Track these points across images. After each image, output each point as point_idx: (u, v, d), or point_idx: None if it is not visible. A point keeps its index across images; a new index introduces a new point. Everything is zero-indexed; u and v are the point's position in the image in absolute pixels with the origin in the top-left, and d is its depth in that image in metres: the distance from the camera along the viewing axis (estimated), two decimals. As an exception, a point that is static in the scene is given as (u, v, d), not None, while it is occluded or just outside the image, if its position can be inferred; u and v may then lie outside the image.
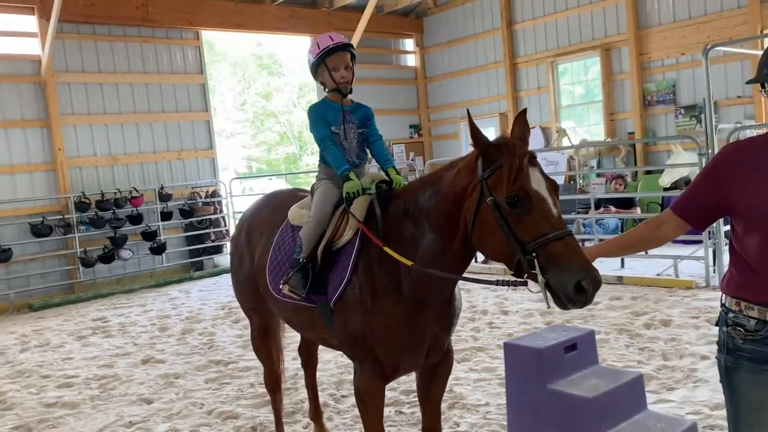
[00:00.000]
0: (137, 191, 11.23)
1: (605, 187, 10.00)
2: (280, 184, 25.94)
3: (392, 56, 15.54)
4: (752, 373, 2.01)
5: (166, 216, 11.53)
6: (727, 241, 2.23)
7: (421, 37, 15.49)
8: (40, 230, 10.19)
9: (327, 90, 3.20)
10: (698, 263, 7.81)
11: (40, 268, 10.45)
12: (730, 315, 2.06)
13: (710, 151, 7.21)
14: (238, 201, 12.97)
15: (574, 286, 2.13)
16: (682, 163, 9.54)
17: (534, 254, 2.20)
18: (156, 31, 11.86)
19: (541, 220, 2.22)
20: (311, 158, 29.89)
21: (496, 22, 13.78)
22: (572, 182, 12.13)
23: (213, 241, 12.27)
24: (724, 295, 2.12)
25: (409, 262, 2.59)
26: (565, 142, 12.39)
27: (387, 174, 3.07)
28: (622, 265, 8.49)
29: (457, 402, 4.43)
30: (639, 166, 11.49)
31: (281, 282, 3.01)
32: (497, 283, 2.48)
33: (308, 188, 4.14)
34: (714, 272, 7.28)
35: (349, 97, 3.23)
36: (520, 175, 2.25)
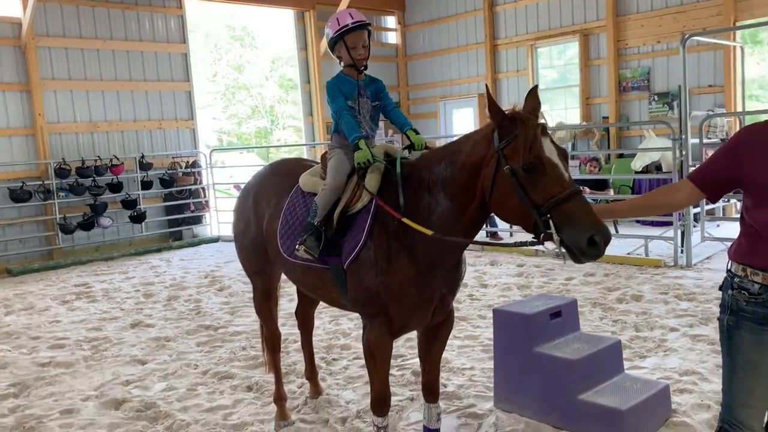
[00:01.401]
0: (117, 159, 11.20)
1: (580, 169, 10.32)
2: (251, 158, 25.87)
3: (374, 33, 15.55)
4: (752, 333, 2.20)
5: (146, 185, 11.53)
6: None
7: (402, 15, 15.57)
8: (19, 195, 10.13)
9: (342, 65, 3.35)
10: (667, 244, 8.21)
11: (19, 233, 10.42)
12: (736, 280, 2.24)
13: (684, 136, 7.54)
14: (216, 173, 13.00)
15: (587, 240, 2.33)
16: (654, 148, 9.90)
17: (549, 215, 2.40)
18: (138, -2, 11.76)
19: (554, 182, 2.42)
20: (282, 133, 29.80)
21: (478, 3, 13.92)
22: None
23: (192, 212, 12.31)
24: (730, 261, 2.29)
25: (429, 232, 2.75)
26: (542, 124, 12.67)
27: (407, 136, 3.23)
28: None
29: (443, 366, 4.67)
30: (612, 150, 11.85)
31: (297, 244, 3.16)
32: (516, 245, 2.67)
33: (308, 158, 4.25)
34: (682, 252, 7.66)
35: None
36: (534, 144, 2.45)
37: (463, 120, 14.54)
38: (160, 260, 10.34)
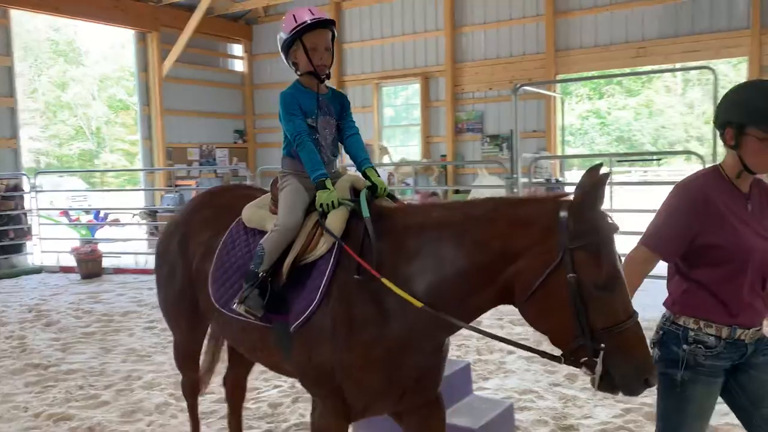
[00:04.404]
0: None
1: (422, 203, 10.89)
2: (75, 183, 24.04)
3: (219, 59, 15.37)
4: (707, 385, 2.23)
5: (-45, 208, 10.28)
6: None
7: (250, 44, 15.53)
8: None
9: (299, 73, 2.72)
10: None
11: None
12: (691, 333, 2.22)
13: (515, 175, 8.29)
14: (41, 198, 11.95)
15: (644, 381, 1.98)
16: (487, 185, 10.75)
17: (603, 343, 1.96)
18: (-45, 2, 10.63)
19: (621, 306, 1.98)
20: (110, 156, 28.12)
21: (325, 39, 14.26)
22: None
23: (12, 239, 11.17)
24: (677, 315, 2.26)
25: (419, 303, 2.17)
26: (386, 160, 13.23)
27: (365, 176, 2.67)
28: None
29: (300, 396, 4.67)
30: (450, 186, 12.66)
31: (235, 300, 2.55)
32: (544, 355, 2.14)
33: (251, 185, 3.58)
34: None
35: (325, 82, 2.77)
36: (615, 255, 2.00)
37: (309, 152, 14.71)
38: (-28, 293, 9.23)
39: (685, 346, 2.22)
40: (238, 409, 3.62)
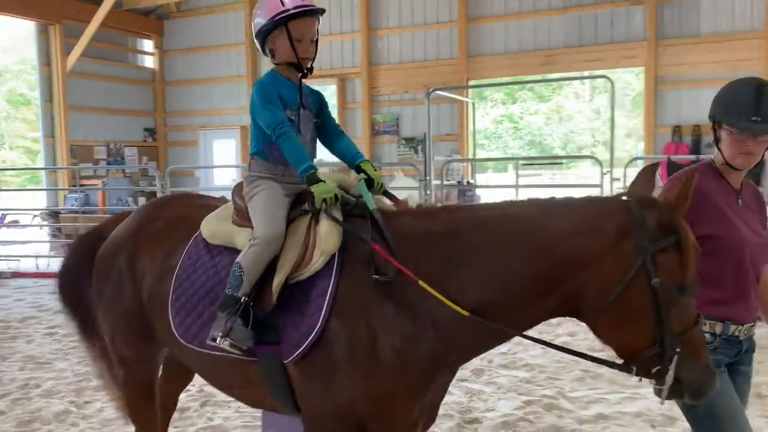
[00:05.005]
0: None
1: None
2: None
3: (129, 54, 14.84)
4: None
5: None
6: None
7: (161, 40, 15.08)
8: None
9: (276, 62, 2.42)
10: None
11: None
12: None
13: (428, 178, 8.47)
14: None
15: (711, 384, 1.88)
16: (403, 187, 10.90)
17: (678, 348, 1.83)
18: None
19: (692, 307, 1.88)
20: (9, 153, 26.54)
21: (239, 37, 14.08)
22: (307, 198, 12.96)
23: None
24: None
25: (464, 312, 1.91)
26: (302, 160, 13.19)
27: (358, 170, 2.39)
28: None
29: (208, 400, 4.61)
30: (366, 187, 12.76)
31: (217, 334, 2.13)
32: (612, 366, 1.95)
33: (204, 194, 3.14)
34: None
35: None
36: (694, 255, 1.85)
37: (224, 151, 14.45)
38: None
39: None
40: (165, 428, 3.09)
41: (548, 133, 32.27)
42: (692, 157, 8.79)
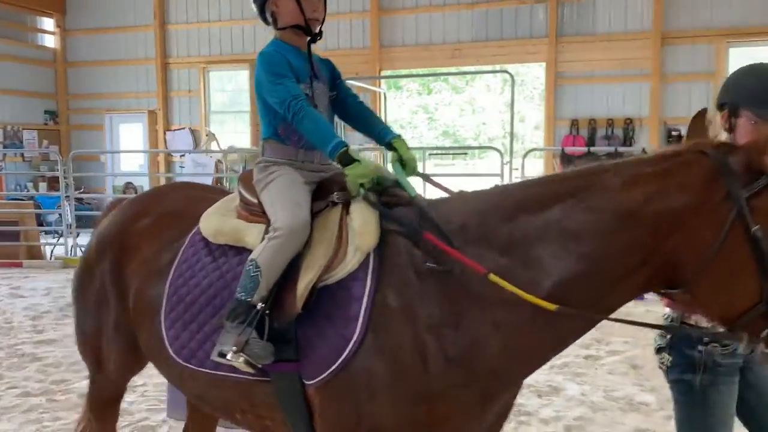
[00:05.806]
0: None
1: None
2: None
3: (28, 33, 14.12)
4: (728, 386, 2.05)
5: None
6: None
7: (63, 18, 14.41)
8: None
9: (279, 27, 2.06)
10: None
11: None
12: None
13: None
14: None
15: None
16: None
17: None
18: None
19: None
20: None
21: (148, 19, 13.68)
22: (219, 184, 12.78)
23: None
24: (687, 315, 2.04)
25: (551, 306, 1.61)
26: (213, 146, 13.01)
27: (391, 148, 2.04)
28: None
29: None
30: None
31: (229, 349, 1.76)
32: (720, 335, 1.83)
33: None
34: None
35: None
36: None
37: (131, 135, 14.05)
38: None
39: (700, 347, 2.00)
40: None
41: (461, 124, 33.14)
42: (586, 149, 9.36)
